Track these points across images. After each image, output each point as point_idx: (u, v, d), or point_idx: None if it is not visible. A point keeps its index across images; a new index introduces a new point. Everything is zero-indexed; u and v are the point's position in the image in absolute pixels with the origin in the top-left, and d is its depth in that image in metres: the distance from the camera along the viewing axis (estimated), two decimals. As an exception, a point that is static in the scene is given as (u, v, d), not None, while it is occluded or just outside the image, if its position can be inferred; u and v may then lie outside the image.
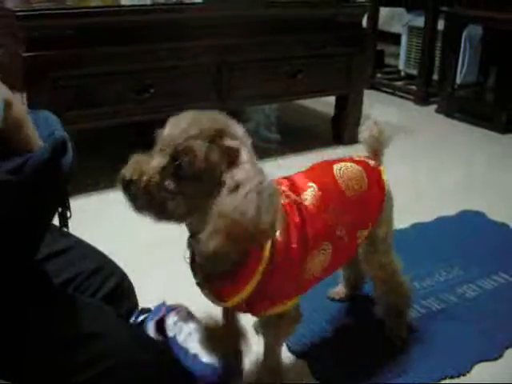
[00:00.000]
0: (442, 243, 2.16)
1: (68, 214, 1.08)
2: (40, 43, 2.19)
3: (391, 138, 1.51)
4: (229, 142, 1.01)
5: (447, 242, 2.17)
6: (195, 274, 1.18)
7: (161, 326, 1.46)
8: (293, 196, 1.22)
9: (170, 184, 1.00)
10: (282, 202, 1.16)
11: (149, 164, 1.01)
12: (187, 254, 1.19)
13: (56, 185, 0.98)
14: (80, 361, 1.00)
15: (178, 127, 1.02)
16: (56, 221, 1.08)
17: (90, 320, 1.06)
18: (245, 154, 1.01)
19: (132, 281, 1.41)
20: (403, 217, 2.30)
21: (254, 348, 1.37)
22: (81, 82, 2.35)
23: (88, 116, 2.40)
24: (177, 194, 1.00)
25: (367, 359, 1.54)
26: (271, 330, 1.29)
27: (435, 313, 1.73)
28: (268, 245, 1.12)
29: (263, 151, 3.00)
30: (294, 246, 1.17)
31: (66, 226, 1.09)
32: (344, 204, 1.31)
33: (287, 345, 1.56)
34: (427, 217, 2.36)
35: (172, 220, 1.04)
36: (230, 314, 1.36)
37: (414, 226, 2.28)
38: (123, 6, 2.60)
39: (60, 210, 1.07)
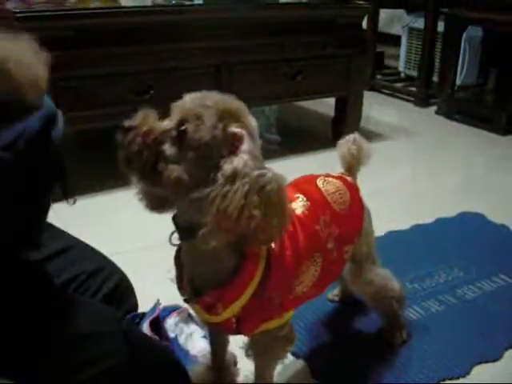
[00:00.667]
0: (442, 244, 2.16)
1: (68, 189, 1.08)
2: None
3: (371, 154, 1.48)
4: (235, 129, 0.98)
5: (447, 244, 2.17)
6: (182, 290, 1.14)
7: (155, 325, 1.48)
8: None
9: (169, 148, 0.97)
10: None
11: (155, 122, 0.99)
12: (172, 272, 1.17)
13: (48, 156, 0.97)
14: (80, 360, 1.00)
15: (192, 97, 1.01)
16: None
17: (91, 320, 1.06)
18: (247, 144, 0.97)
19: (132, 281, 1.41)
20: (403, 218, 2.31)
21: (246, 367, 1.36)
22: (81, 83, 2.36)
23: (88, 117, 2.40)
24: (172, 162, 0.97)
25: (367, 360, 1.54)
26: (264, 354, 1.23)
27: (435, 314, 1.73)
28: (263, 252, 1.09)
29: (263, 152, 3.00)
30: (289, 253, 1.13)
31: (68, 196, 1.08)
32: (332, 217, 1.27)
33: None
34: (427, 218, 2.36)
35: (158, 189, 1.00)
36: (219, 349, 1.35)
37: (414, 228, 2.28)
38: (123, 7, 2.60)
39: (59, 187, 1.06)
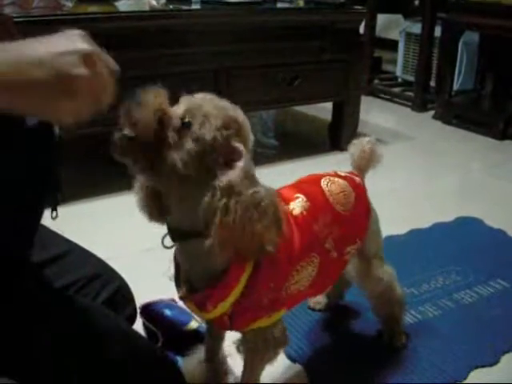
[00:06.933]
0: (439, 249, 2.16)
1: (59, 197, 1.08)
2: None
3: (381, 157, 1.49)
4: (237, 143, 1.00)
5: (444, 248, 2.17)
6: (179, 288, 1.16)
7: (146, 311, 1.56)
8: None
9: (171, 135, 0.98)
10: None
11: (166, 103, 1.01)
12: (171, 270, 1.18)
13: (47, 156, 0.98)
14: (77, 361, 1.01)
15: (203, 96, 1.04)
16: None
17: (89, 321, 1.07)
18: (244, 162, 0.99)
19: (130, 286, 1.41)
20: (400, 223, 2.31)
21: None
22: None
23: (87, 121, 2.40)
24: (171, 148, 0.97)
25: (362, 364, 1.54)
26: (254, 353, 1.23)
27: (432, 318, 1.73)
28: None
29: (260, 157, 3.01)
30: (282, 253, 1.13)
31: (55, 208, 1.08)
32: (333, 217, 1.28)
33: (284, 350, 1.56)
34: (424, 223, 2.36)
35: (153, 178, 1.03)
36: (214, 344, 1.37)
37: (411, 232, 2.29)
38: (121, 12, 2.61)
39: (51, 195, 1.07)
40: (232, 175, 0.97)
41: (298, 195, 1.26)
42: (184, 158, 0.97)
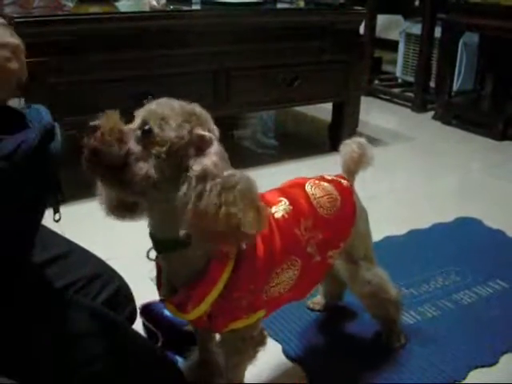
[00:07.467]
0: (439, 250, 2.16)
1: (60, 198, 1.09)
2: (38, 49, 2.20)
3: (372, 162, 1.47)
4: (202, 131, 1.00)
5: (443, 249, 2.17)
6: (160, 289, 1.17)
7: (146, 310, 1.56)
8: None
9: (135, 147, 0.98)
10: None
11: (119, 122, 1.01)
12: (153, 272, 1.19)
13: (45, 169, 0.99)
14: (77, 360, 1.01)
15: (155, 102, 1.04)
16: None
17: (89, 321, 1.07)
18: (215, 147, 0.99)
19: (130, 287, 1.41)
20: (400, 223, 2.32)
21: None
22: (79, 88, 2.36)
23: (86, 122, 2.40)
24: (140, 160, 0.97)
25: (361, 364, 1.54)
26: (234, 354, 1.23)
27: (431, 319, 1.74)
28: (232, 253, 1.10)
29: (260, 157, 3.02)
30: (261, 255, 1.14)
31: (58, 210, 1.09)
32: (316, 221, 1.27)
33: (283, 348, 1.56)
34: (423, 223, 2.37)
35: (127, 194, 1.02)
36: (205, 344, 1.37)
37: (411, 233, 2.29)
38: (121, 12, 2.61)
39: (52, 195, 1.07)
40: (206, 161, 0.97)
41: (281, 199, 1.26)
42: (155, 164, 0.97)
